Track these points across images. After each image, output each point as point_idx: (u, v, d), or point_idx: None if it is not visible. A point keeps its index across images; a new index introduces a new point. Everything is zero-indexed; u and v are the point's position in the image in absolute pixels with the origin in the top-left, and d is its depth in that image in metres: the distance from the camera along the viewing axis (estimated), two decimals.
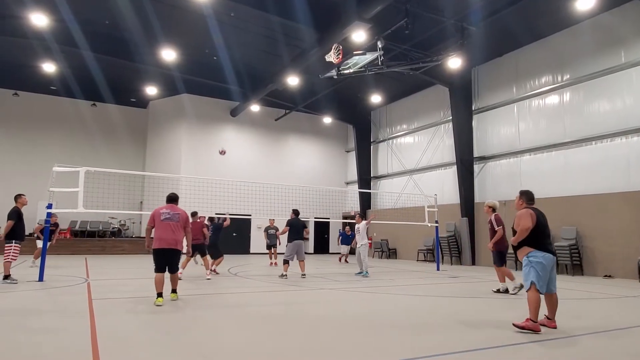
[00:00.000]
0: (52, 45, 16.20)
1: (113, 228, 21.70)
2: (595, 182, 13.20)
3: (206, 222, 13.24)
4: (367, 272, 11.90)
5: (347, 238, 18.03)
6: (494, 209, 8.85)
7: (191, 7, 14.04)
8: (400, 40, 14.27)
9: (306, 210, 17.02)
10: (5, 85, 21.35)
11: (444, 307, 7.07)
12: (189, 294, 7.79)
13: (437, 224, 15.19)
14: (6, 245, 8.89)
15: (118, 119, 23.88)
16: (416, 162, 20.62)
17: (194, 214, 10.91)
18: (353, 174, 25.07)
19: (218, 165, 22.46)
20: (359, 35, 13.34)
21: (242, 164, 23.13)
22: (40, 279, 9.20)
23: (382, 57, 12.26)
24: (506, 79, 16.48)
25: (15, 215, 8.91)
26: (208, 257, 11.08)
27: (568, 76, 14.32)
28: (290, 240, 11.20)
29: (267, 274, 12.34)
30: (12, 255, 8.91)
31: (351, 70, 12.40)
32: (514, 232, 5.42)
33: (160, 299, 6.59)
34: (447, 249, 17.37)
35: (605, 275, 12.38)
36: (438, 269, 14.32)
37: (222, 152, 22.18)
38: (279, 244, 14.77)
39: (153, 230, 6.93)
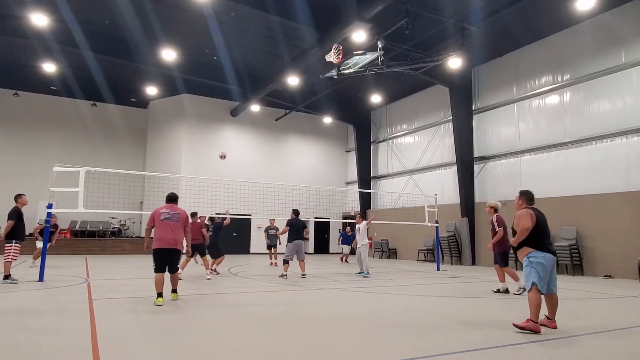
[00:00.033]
0: (52, 45, 16.21)
1: (113, 228, 21.70)
2: (595, 182, 13.20)
3: (206, 221, 13.25)
4: (368, 272, 11.89)
5: (348, 238, 18.05)
6: (495, 210, 8.83)
7: (191, 7, 14.05)
8: (400, 40, 14.27)
9: (306, 210, 17.02)
10: (6, 85, 21.36)
11: (444, 307, 7.06)
12: (189, 294, 7.79)
13: (437, 224, 15.19)
14: (6, 245, 8.89)
15: (118, 119, 23.89)
16: (416, 162, 20.62)
17: (193, 215, 10.89)
18: (353, 174, 25.08)
19: (218, 165, 22.45)
20: (359, 35, 13.35)
21: (242, 164, 23.14)
22: (41, 278, 9.20)
23: (382, 57, 12.26)
24: (506, 79, 16.48)
25: (16, 215, 8.92)
26: (208, 257, 11.08)
27: (568, 76, 14.32)
28: (290, 240, 11.21)
29: (267, 274, 12.34)
30: (13, 255, 8.92)
31: (351, 70, 12.40)
32: (514, 233, 5.41)
33: (160, 299, 6.59)
34: (447, 249, 17.37)
35: (606, 275, 12.38)
36: (438, 269, 14.32)
37: (223, 157, 22.13)
38: (279, 243, 14.77)
39: (153, 230, 6.93)
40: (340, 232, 21.20)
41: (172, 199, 7.27)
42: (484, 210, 9.81)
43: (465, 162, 17.35)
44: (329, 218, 21.54)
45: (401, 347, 4.49)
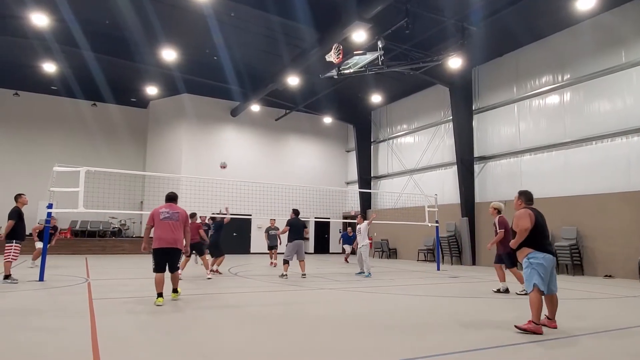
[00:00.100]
0: (52, 45, 16.21)
1: (113, 228, 21.71)
2: (595, 182, 13.20)
3: (207, 221, 13.26)
4: (369, 273, 11.88)
5: (349, 238, 18.07)
6: (499, 211, 8.81)
7: (191, 7, 14.05)
8: (400, 40, 14.27)
9: (306, 210, 17.01)
10: (6, 85, 21.36)
11: (444, 307, 7.06)
12: (189, 294, 7.79)
13: (437, 224, 15.19)
14: (6, 245, 8.90)
15: (118, 118, 23.89)
16: (416, 162, 20.62)
17: (192, 216, 10.88)
18: (353, 173, 25.08)
19: (218, 165, 22.48)
20: (359, 35, 13.34)
21: (242, 164, 23.14)
22: (41, 278, 9.20)
23: (382, 57, 12.25)
24: (506, 79, 16.47)
25: (16, 215, 8.92)
26: (207, 256, 11.08)
27: (568, 76, 14.32)
28: (290, 240, 11.21)
29: (267, 274, 12.34)
30: (13, 255, 8.92)
31: (351, 70, 12.39)
32: (513, 233, 5.40)
33: (160, 299, 6.59)
34: (448, 249, 17.37)
35: (606, 275, 12.37)
36: (438, 269, 14.32)
37: (223, 167, 22.09)
38: (280, 243, 14.76)
39: (152, 230, 6.93)
40: (340, 232, 21.19)
41: (171, 198, 7.26)
42: (485, 210, 9.81)
43: (466, 162, 17.35)
44: (329, 218, 21.54)
45: (401, 347, 4.49)
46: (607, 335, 5.14)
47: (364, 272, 11.94)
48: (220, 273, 11.61)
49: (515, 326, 5.13)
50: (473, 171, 17.47)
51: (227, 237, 15.25)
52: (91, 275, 10.82)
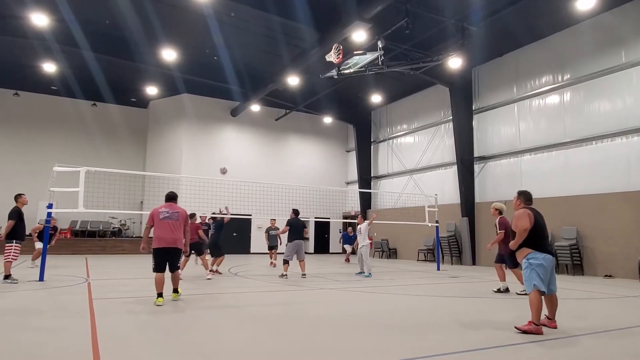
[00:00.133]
0: (52, 45, 16.20)
1: (113, 228, 21.71)
2: (595, 182, 13.20)
3: (207, 221, 13.25)
4: (370, 273, 11.87)
5: (350, 238, 18.06)
6: (500, 212, 8.79)
7: (191, 7, 14.05)
8: (400, 40, 14.26)
9: (306, 210, 17.02)
10: (6, 85, 21.36)
11: (444, 307, 7.07)
12: (189, 294, 7.79)
13: (437, 224, 15.19)
14: (7, 245, 8.90)
15: (118, 118, 23.88)
16: (416, 162, 20.62)
17: (192, 216, 10.89)
18: (353, 173, 25.07)
19: (218, 165, 22.51)
20: (359, 35, 13.34)
21: (242, 164, 23.15)
22: (41, 278, 9.20)
23: (382, 57, 12.25)
24: (506, 79, 16.47)
25: (16, 215, 8.92)
26: (206, 256, 11.07)
27: (568, 76, 14.32)
28: (290, 240, 11.21)
29: (267, 274, 12.34)
30: (13, 255, 8.92)
31: (351, 70, 12.39)
32: (513, 233, 5.39)
33: (160, 299, 6.59)
34: (448, 249, 17.37)
35: (606, 275, 12.37)
36: (438, 269, 14.32)
37: (224, 172, 22.08)
38: (280, 243, 14.76)
39: (152, 230, 6.93)
40: (340, 232, 21.19)
41: (171, 197, 7.25)
42: (485, 210, 9.81)
43: (466, 162, 17.35)
44: (329, 218, 21.54)
45: (401, 347, 4.49)
46: (607, 335, 5.14)
47: (363, 272, 11.95)
48: (220, 273, 11.61)
49: (515, 327, 5.13)
50: (473, 171, 17.47)
51: (227, 237, 15.26)
52: (91, 275, 10.82)
